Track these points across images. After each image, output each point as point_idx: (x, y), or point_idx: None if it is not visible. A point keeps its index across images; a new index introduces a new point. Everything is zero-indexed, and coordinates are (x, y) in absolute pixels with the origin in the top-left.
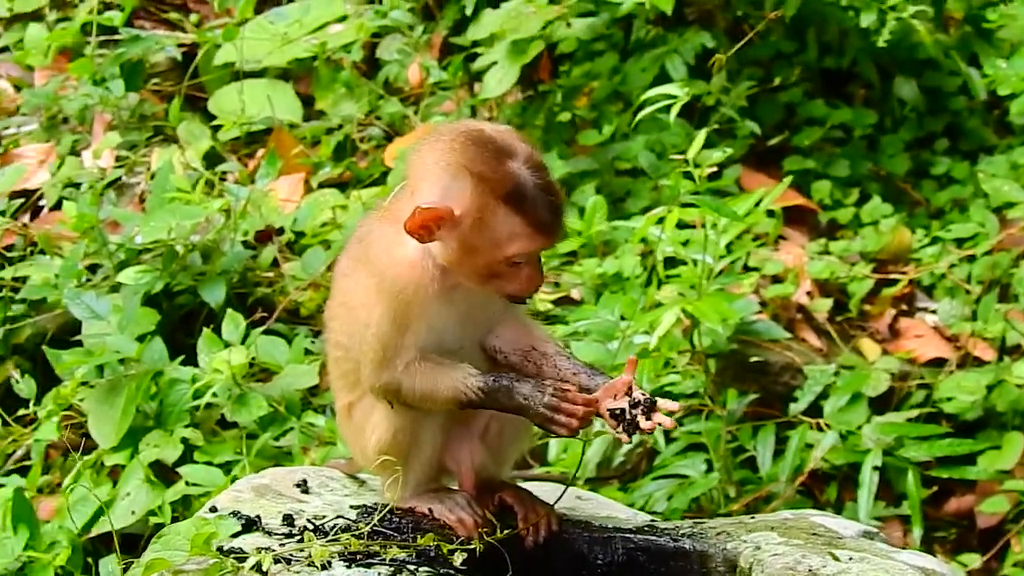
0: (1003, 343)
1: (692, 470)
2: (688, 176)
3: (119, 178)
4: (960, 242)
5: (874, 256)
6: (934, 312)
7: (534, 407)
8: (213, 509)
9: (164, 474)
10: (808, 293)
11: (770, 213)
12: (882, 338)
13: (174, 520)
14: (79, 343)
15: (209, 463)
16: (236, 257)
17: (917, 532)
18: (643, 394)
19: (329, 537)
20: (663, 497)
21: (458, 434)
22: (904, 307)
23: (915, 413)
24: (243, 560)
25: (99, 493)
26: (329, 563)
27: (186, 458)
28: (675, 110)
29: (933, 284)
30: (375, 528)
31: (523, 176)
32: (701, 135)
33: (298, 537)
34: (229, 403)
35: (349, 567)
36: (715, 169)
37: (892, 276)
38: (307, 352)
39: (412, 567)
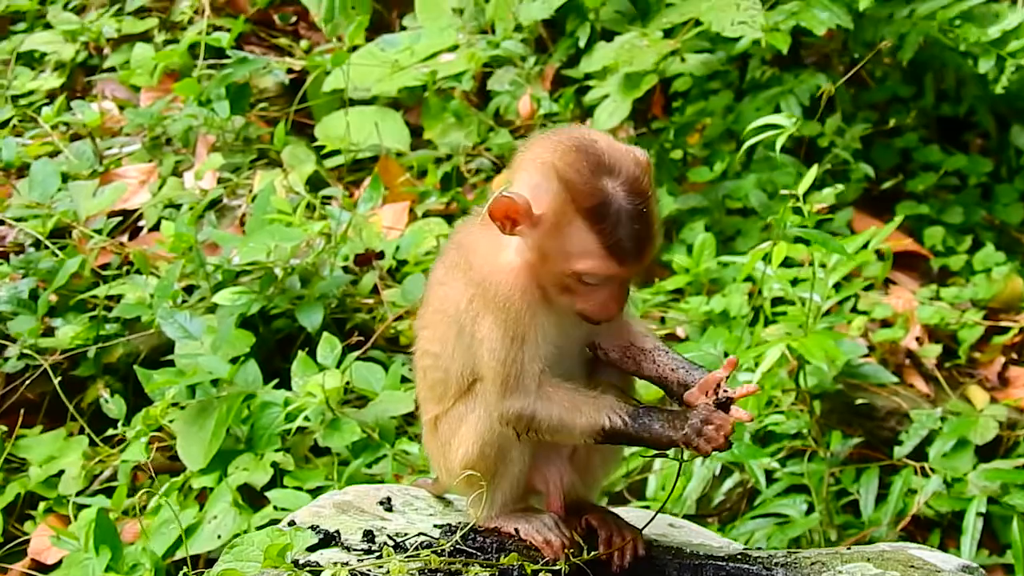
0: None
1: (792, 510)
2: (798, 212)
3: (220, 199)
4: None
5: (985, 304)
6: None
7: (687, 437)
8: (291, 523)
9: (252, 498)
10: (917, 338)
11: (880, 256)
12: (991, 386)
13: None
14: (170, 363)
15: (299, 488)
16: (335, 282)
17: None
18: (726, 391)
19: (408, 554)
20: (762, 536)
21: (547, 454)
22: (1015, 356)
23: (1019, 462)
24: (318, 574)
25: (186, 516)
26: None
27: (275, 483)
28: (781, 140)
29: None
30: (457, 546)
31: (614, 196)
32: (812, 171)
33: (377, 554)
34: (322, 428)
35: None
36: (826, 210)
37: (1003, 324)
38: (403, 380)
39: None
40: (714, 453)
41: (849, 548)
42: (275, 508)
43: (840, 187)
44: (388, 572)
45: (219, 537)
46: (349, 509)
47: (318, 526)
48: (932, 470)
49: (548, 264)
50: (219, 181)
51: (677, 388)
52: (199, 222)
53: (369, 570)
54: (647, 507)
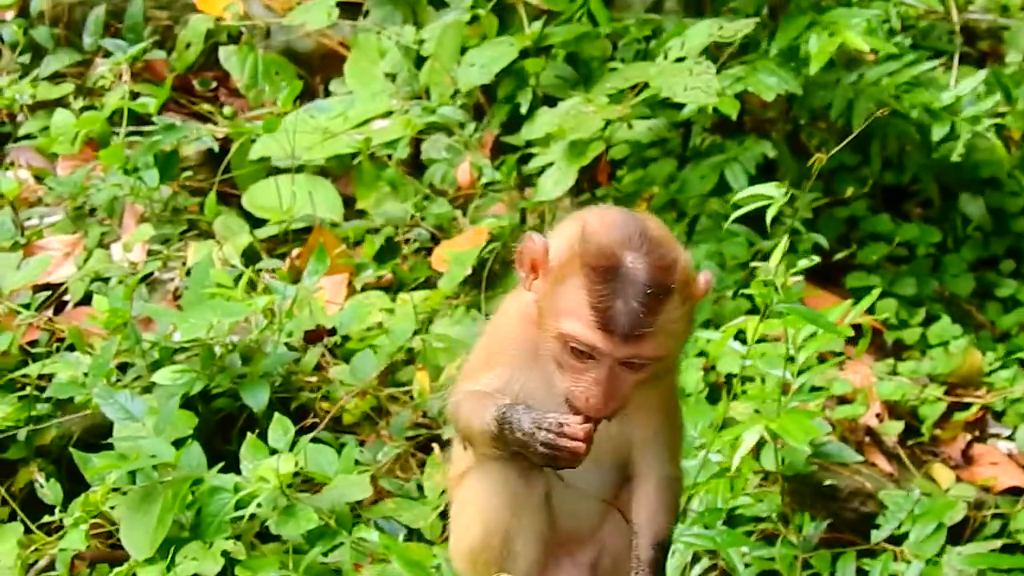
0: None
1: None
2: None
3: (151, 273)
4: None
5: (944, 379)
6: (1008, 438)
7: (531, 443)
8: None
9: None
10: (877, 415)
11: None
12: (955, 464)
13: None
14: (107, 446)
15: None
16: (279, 359)
17: None
18: None
19: None
20: None
21: (566, 565)
22: (978, 433)
23: (997, 544)
24: None
25: None
26: None
27: (226, 573)
28: (772, 211)
29: (1004, 410)
30: None
31: (625, 266)
32: (782, 243)
33: None
34: (275, 514)
35: None
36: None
37: (966, 400)
38: (356, 462)
39: None
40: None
41: None
42: None
43: (815, 259)
44: None
45: None
46: None
47: None
48: (915, 555)
49: (543, 319)
50: (149, 253)
51: None
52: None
53: None
54: None
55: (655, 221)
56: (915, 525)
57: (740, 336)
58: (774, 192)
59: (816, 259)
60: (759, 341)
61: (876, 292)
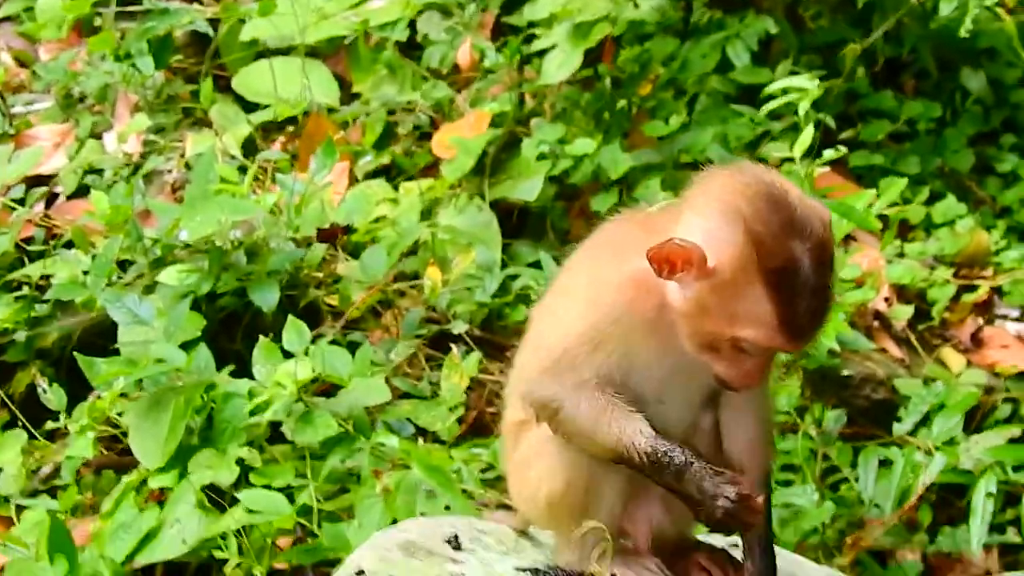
0: None
1: (802, 499)
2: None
3: (144, 163)
4: None
5: (952, 259)
6: (1016, 319)
7: (708, 505)
8: (360, 572)
9: (216, 499)
10: (886, 299)
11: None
12: (965, 348)
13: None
14: (108, 348)
15: (268, 487)
16: (288, 256)
17: None
18: None
19: None
20: (777, 530)
21: (636, 491)
22: (984, 314)
23: (1010, 430)
24: None
25: (145, 519)
26: None
27: (239, 481)
28: (805, 105)
29: (1009, 290)
30: None
31: (802, 263)
32: (808, 132)
33: None
34: (291, 421)
35: None
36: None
37: (975, 282)
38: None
39: None
40: None
41: None
42: (248, 511)
43: (843, 150)
44: None
45: (184, 542)
46: (416, 551)
47: None
48: (936, 448)
49: (704, 319)
50: (143, 144)
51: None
52: None
53: None
54: None
55: (777, 174)
56: (937, 417)
57: None
58: (807, 84)
59: (843, 150)
60: None
61: (903, 182)
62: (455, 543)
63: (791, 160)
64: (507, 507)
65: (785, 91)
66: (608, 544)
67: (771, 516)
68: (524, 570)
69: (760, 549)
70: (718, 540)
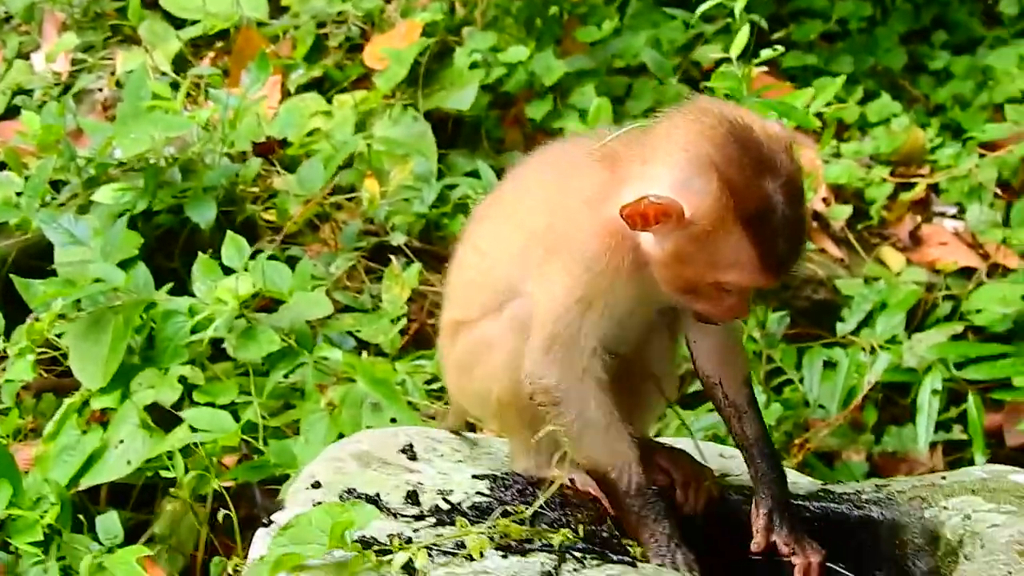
0: None
1: None
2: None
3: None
4: (965, 140)
5: (888, 158)
6: (952, 217)
7: (645, 548)
8: (316, 485)
9: (160, 419)
10: (824, 199)
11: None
12: (904, 246)
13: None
14: (45, 269)
15: (211, 405)
16: (223, 172)
17: (980, 461)
18: None
19: (489, 524)
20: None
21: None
22: (922, 212)
23: (952, 328)
24: (385, 554)
25: (89, 441)
26: (481, 552)
27: (182, 400)
28: (740, 4)
29: (942, 188)
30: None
31: (776, 201)
32: (744, 32)
33: (431, 519)
34: (233, 337)
35: (505, 556)
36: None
37: (911, 180)
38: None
39: (578, 554)
40: None
41: (944, 478)
42: (192, 429)
43: (780, 49)
44: (457, 545)
45: (129, 463)
46: (371, 461)
47: (354, 489)
48: (880, 347)
49: (684, 268)
50: (72, 62)
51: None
52: None
53: (435, 544)
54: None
55: (736, 107)
56: (879, 316)
57: None
58: None
59: (781, 49)
60: None
61: (839, 82)
62: (410, 453)
63: (728, 61)
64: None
65: None
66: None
67: (765, 425)
68: (481, 477)
69: (767, 460)
70: (679, 442)
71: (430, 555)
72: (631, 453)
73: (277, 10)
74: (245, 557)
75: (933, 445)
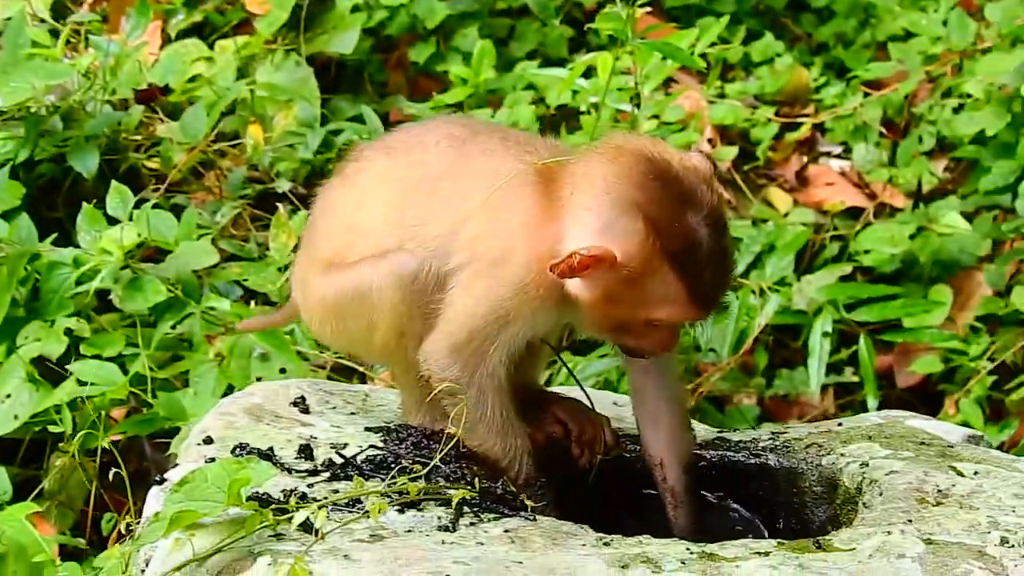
0: (919, 188)
1: None
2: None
3: None
4: (849, 79)
5: (772, 98)
6: (837, 156)
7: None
8: (208, 440)
9: (46, 372)
10: (710, 140)
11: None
12: (790, 187)
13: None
14: None
15: (98, 357)
16: (106, 120)
17: (872, 403)
18: None
19: (388, 481)
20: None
21: None
22: (807, 152)
23: (846, 269)
24: (283, 513)
25: None
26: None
27: (69, 352)
28: None
29: (827, 127)
30: (425, 460)
31: (700, 235)
32: None
33: (326, 475)
34: (119, 288)
35: (402, 511)
36: None
37: (797, 120)
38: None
39: (474, 508)
40: None
41: (841, 424)
42: (79, 383)
43: None
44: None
45: (16, 417)
46: (263, 415)
47: (247, 444)
48: (770, 289)
49: (615, 308)
50: None
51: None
52: None
53: (338, 501)
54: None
55: (652, 141)
56: (768, 258)
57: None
58: None
59: None
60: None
61: (722, 21)
62: (303, 406)
63: (611, 2)
64: (348, 368)
65: None
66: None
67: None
68: (375, 430)
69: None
70: (571, 391)
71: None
72: (524, 445)
73: None
74: (136, 513)
75: (825, 388)
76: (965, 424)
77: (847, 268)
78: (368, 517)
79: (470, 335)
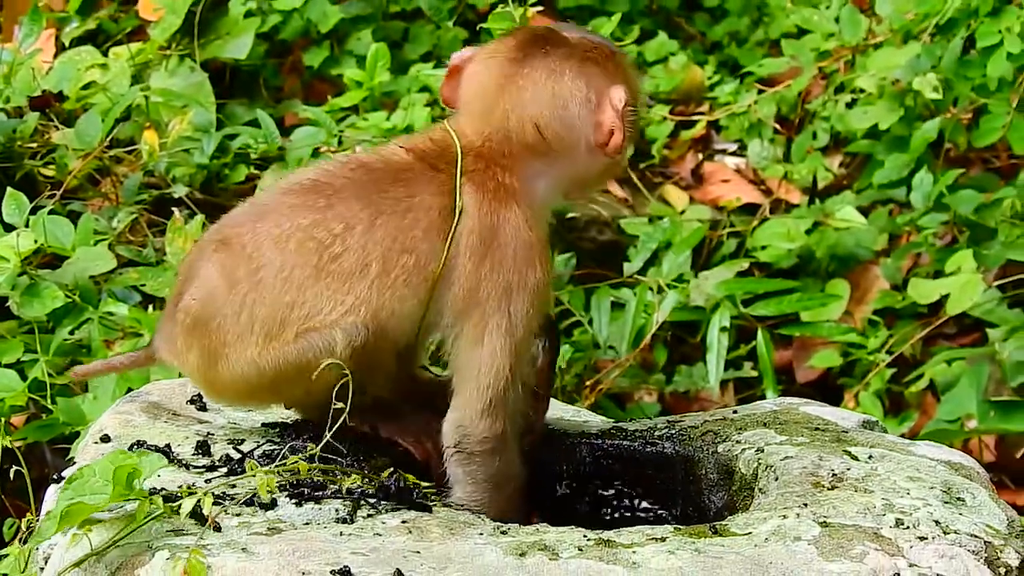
0: (814, 184)
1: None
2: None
3: None
4: (743, 77)
5: (667, 96)
6: (733, 154)
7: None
8: (106, 438)
9: None
10: None
11: None
12: (687, 184)
13: None
14: None
15: None
16: (0, 127)
17: (772, 398)
18: None
19: (277, 467)
20: None
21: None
22: (702, 150)
23: (744, 265)
24: (173, 501)
25: None
26: (275, 501)
27: None
28: None
29: (722, 125)
30: (323, 455)
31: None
32: None
33: (223, 469)
34: (16, 295)
35: (299, 504)
36: None
37: (692, 118)
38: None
39: (372, 499)
40: None
41: (736, 411)
42: None
43: None
44: (249, 493)
45: None
46: (160, 413)
47: (144, 442)
48: (668, 286)
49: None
50: None
51: None
52: None
53: (226, 491)
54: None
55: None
56: (665, 255)
57: None
58: None
59: None
60: None
61: (614, 20)
62: (199, 403)
63: (504, 2)
64: None
65: None
66: (361, 397)
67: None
68: (272, 426)
69: None
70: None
71: (222, 505)
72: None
73: None
74: (36, 515)
75: (725, 383)
76: None
77: (744, 264)
78: (265, 510)
79: (506, 382)
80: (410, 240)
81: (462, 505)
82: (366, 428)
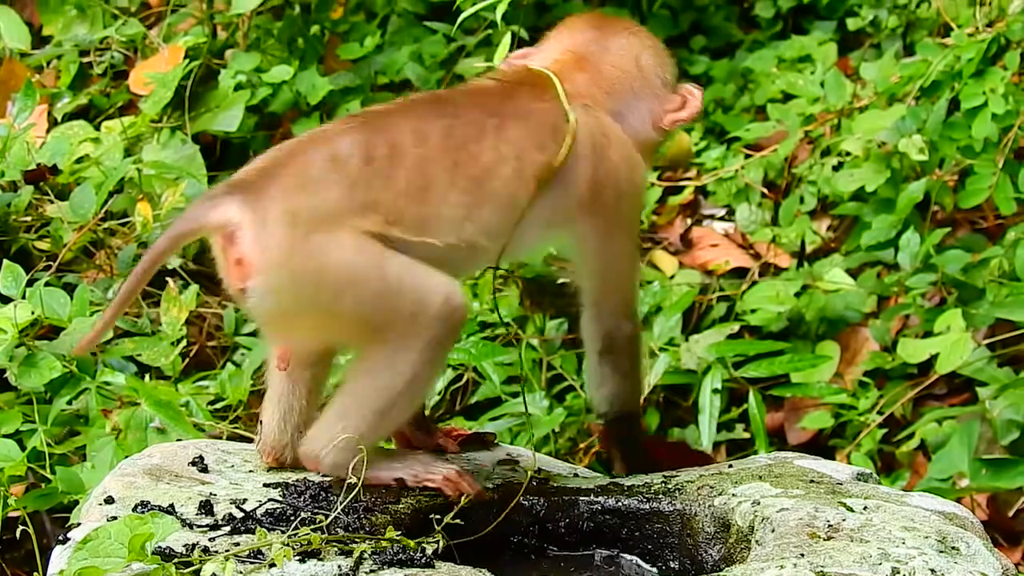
0: (802, 247)
1: (533, 407)
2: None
3: None
4: (729, 142)
5: (655, 163)
6: (721, 219)
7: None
8: (110, 500)
9: None
10: None
11: None
12: (675, 249)
13: None
14: None
15: None
16: None
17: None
18: None
19: (290, 533)
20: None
21: None
22: (691, 215)
23: (734, 328)
24: (188, 566)
25: None
26: None
27: None
28: (502, 7)
29: (710, 190)
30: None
31: None
32: (506, 38)
33: (227, 529)
34: (14, 366)
35: (303, 561)
36: None
37: (680, 183)
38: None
39: (375, 556)
40: None
41: (731, 466)
42: None
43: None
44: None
45: None
46: (163, 475)
47: (148, 502)
48: (659, 349)
49: None
50: None
51: None
52: None
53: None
54: None
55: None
56: (656, 319)
57: None
58: None
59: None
60: None
61: None
62: (201, 465)
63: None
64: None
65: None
66: (362, 452)
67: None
68: (274, 485)
69: None
70: None
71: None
72: None
73: (40, 40)
74: None
75: (717, 445)
76: None
77: (734, 327)
78: (271, 568)
79: (632, 287)
80: (540, 140)
81: (617, 396)
82: (391, 480)
